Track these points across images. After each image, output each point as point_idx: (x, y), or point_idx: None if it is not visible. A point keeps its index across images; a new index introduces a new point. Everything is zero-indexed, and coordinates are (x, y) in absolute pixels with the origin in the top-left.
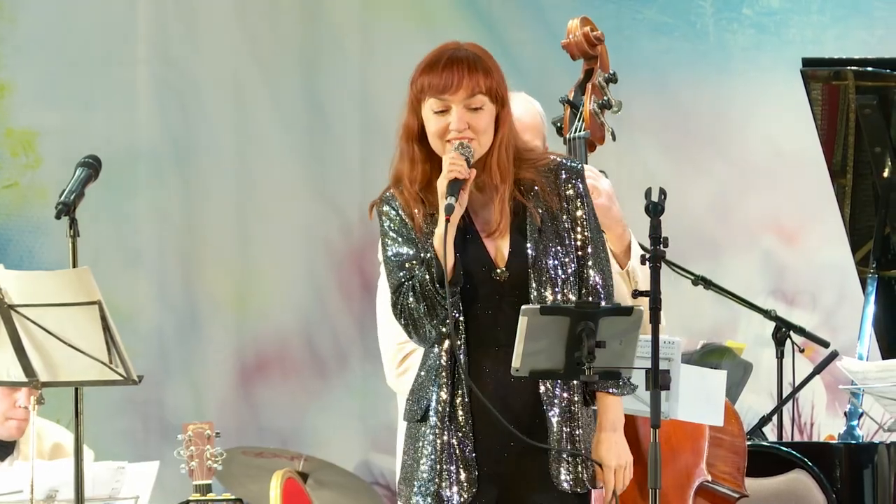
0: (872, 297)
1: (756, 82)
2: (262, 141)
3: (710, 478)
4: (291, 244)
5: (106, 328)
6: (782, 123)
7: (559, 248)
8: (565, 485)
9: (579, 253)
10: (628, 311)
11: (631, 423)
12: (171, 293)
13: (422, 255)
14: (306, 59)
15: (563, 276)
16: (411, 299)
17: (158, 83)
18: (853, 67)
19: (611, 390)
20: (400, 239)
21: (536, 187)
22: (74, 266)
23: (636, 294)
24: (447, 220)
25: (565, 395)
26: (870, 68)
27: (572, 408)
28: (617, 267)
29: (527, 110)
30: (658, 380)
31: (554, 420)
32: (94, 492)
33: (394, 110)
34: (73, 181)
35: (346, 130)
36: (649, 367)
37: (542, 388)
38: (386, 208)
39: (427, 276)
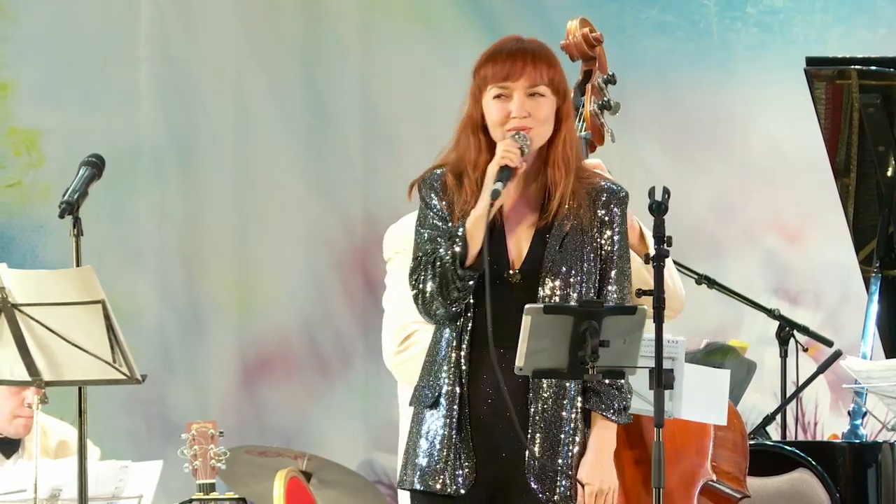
0: (876, 296)
1: (759, 81)
2: (263, 140)
3: (714, 477)
4: (293, 243)
5: (109, 327)
6: (785, 122)
7: (576, 263)
8: (545, 498)
9: (601, 276)
10: (632, 310)
11: (636, 422)
12: (174, 292)
13: (451, 232)
14: (307, 59)
15: (573, 290)
16: (429, 273)
17: (160, 82)
18: (857, 66)
19: (607, 414)
20: (436, 218)
21: (575, 199)
22: (78, 265)
23: (640, 293)
24: (491, 205)
25: (554, 406)
26: (873, 67)
27: (560, 419)
28: (639, 260)
29: None
30: (662, 379)
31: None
32: (97, 491)
33: (395, 109)
34: (77, 180)
35: (348, 129)
36: (653, 366)
37: (532, 409)
38: (427, 186)
39: (449, 254)
